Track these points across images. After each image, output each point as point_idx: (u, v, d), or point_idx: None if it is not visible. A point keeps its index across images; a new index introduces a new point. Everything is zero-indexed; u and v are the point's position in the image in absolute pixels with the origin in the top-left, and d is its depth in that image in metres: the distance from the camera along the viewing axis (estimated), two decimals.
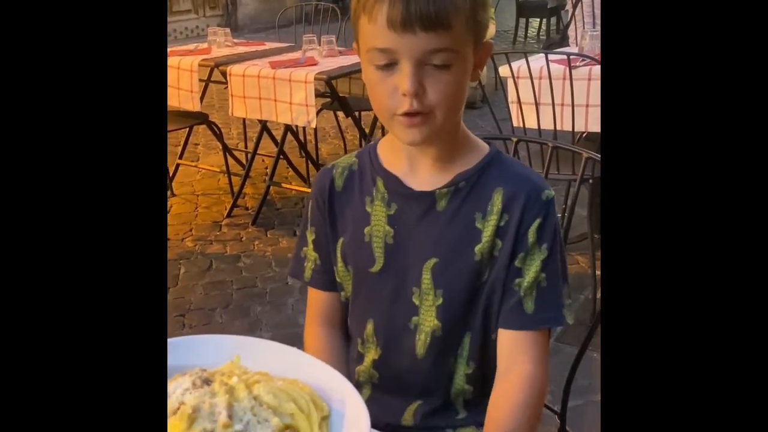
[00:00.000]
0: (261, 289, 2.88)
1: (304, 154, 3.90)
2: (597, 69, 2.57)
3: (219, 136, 3.76)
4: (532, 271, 0.95)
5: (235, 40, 3.91)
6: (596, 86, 2.55)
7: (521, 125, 2.68)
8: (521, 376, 0.95)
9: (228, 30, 3.92)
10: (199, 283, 2.94)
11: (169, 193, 3.87)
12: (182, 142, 4.00)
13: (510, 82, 2.67)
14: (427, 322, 0.99)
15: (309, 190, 1.46)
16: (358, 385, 1.05)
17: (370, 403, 0.82)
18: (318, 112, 3.22)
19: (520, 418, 0.94)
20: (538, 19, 8.79)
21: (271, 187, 3.66)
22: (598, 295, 2.47)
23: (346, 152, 3.67)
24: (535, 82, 2.56)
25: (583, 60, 2.64)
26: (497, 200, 0.95)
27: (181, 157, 4.00)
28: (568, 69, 2.53)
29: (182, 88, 3.36)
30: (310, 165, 3.88)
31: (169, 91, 3.36)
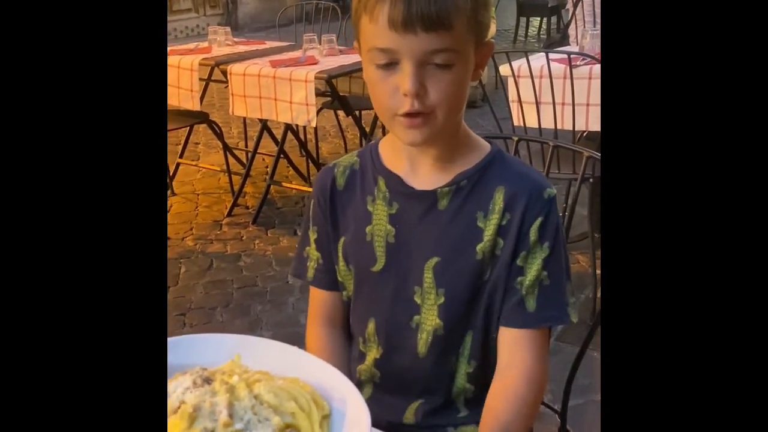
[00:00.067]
0: (261, 288, 2.88)
1: (304, 153, 3.90)
2: (598, 68, 2.57)
3: (219, 135, 3.76)
4: (533, 269, 0.95)
5: (235, 39, 3.90)
6: (597, 85, 2.55)
7: (522, 124, 2.68)
8: (521, 371, 0.96)
9: (228, 29, 3.91)
10: (200, 282, 2.94)
11: (169, 192, 3.87)
12: (183, 141, 4.00)
13: (510, 81, 2.67)
14: (429, 321, 0.99)
15: (309, 189, 1.46)
16: (360, 384, 1.05)
17: (371, 402, 0.82)
18: (318, 111, 3.22)
19: (518, 411, 0.94)
20: (539, 18, 8.79)
21: (272, 186, 3.66)
22: (599, 294, 2.47)
23: (346, 151, 3.67)
24: (536, 81, 2.55)
25: (583, 59, 2.64)
26: (499, 199, 0.95)
27: (181, 156, 4.00)
28: (568, 68, 2.53)
29: (182, 87, 3.36)
30: (311, 164, 3.88)
31: (170, 90, 3.36)
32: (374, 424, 0.76)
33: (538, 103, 2.59)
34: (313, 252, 1.08)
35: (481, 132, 1.05)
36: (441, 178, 0.97)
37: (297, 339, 0.97)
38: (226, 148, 3.85)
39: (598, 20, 3.82)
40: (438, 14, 0.82)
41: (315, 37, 3.47)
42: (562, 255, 0.97)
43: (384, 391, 1.05)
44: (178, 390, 0.75)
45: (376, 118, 3.47)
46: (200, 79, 3.40)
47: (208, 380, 0.76)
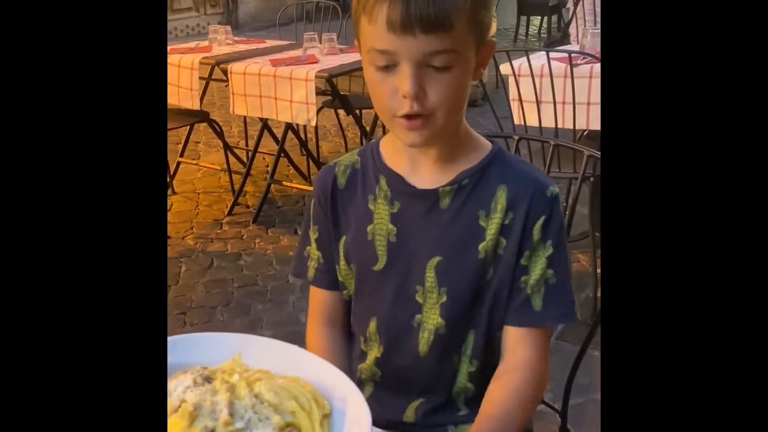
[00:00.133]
0: (262, 287, 2.88)
1: (304, 152, 3.90)
2: (598, 67, 2.57)
3: (220, 134, 3.76)
4: (538, 268, 0.95)
5: (235, 38, 3.90)
6: (597, 84, 2.55)
7: (522, 123, 2.68)
8: (523, 368, 0.96)
9: (229, 28, 3.91)
10: (200, 281, 2.94)
11: (169, 191, 3.87)
12: (183, 140, 4.00)
13: (511, 80, 2.66)
14: (431, 320, 0.99)
15: (310, 188, 1.46)
16: (361, 383, 1.05)
17: (371, 400, 0.82)
18: (319, 110, 3.22)
19: (518, 403, 0.94)
20: (540, 17, 8.79)
21: (272, 185, 3.66)
22: (599, 294, 2.47)
23: (347, 150, 3.67)
24: (537, 80, 2.55)
25: (584, 58, 2.64)
26: (501, 198, 0.95)
27: (182, 155, 4.00)
28: (569, 67, 2.52)
29: (183, 86, 3.36)
30: (311, 163, 3.88)
31: (170, 89, 3.35)
32: (374, 423, 0.76)
33: (538, 102, 2.58)
34: (313, 251, 1.08)
35: (482, 131, 1.05)
36: (442, 177, 0.97)
37: (297, 338, 0.97)
38: (227, 147, 3.84)
39: (599, 19, 3.82)
40: (437, 15, 0.82)
41: (315, 35, 3.47)
42: (566, 253, 0.97)
43: (385, 389, 1.05)
44: (179, 389, 0.75)
45: (376, 117, 3.47)
46: (200, 78, 3.39)
47: (208, 379, 0.76)
